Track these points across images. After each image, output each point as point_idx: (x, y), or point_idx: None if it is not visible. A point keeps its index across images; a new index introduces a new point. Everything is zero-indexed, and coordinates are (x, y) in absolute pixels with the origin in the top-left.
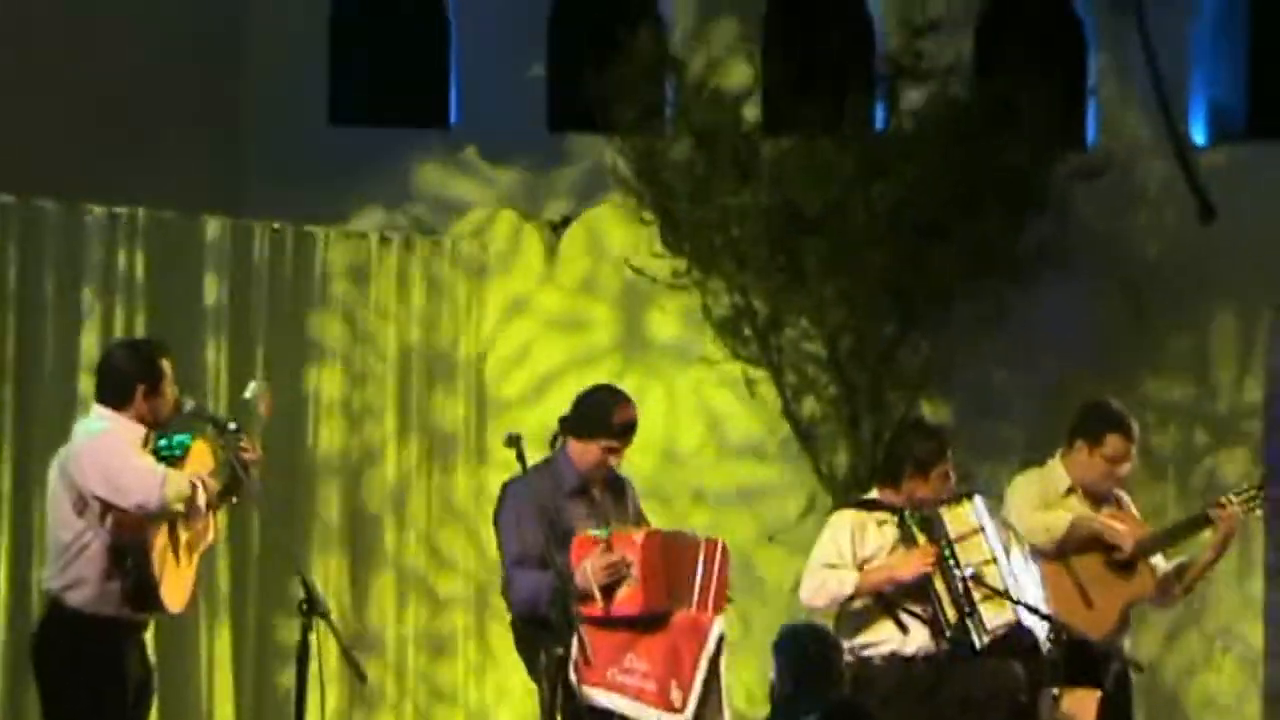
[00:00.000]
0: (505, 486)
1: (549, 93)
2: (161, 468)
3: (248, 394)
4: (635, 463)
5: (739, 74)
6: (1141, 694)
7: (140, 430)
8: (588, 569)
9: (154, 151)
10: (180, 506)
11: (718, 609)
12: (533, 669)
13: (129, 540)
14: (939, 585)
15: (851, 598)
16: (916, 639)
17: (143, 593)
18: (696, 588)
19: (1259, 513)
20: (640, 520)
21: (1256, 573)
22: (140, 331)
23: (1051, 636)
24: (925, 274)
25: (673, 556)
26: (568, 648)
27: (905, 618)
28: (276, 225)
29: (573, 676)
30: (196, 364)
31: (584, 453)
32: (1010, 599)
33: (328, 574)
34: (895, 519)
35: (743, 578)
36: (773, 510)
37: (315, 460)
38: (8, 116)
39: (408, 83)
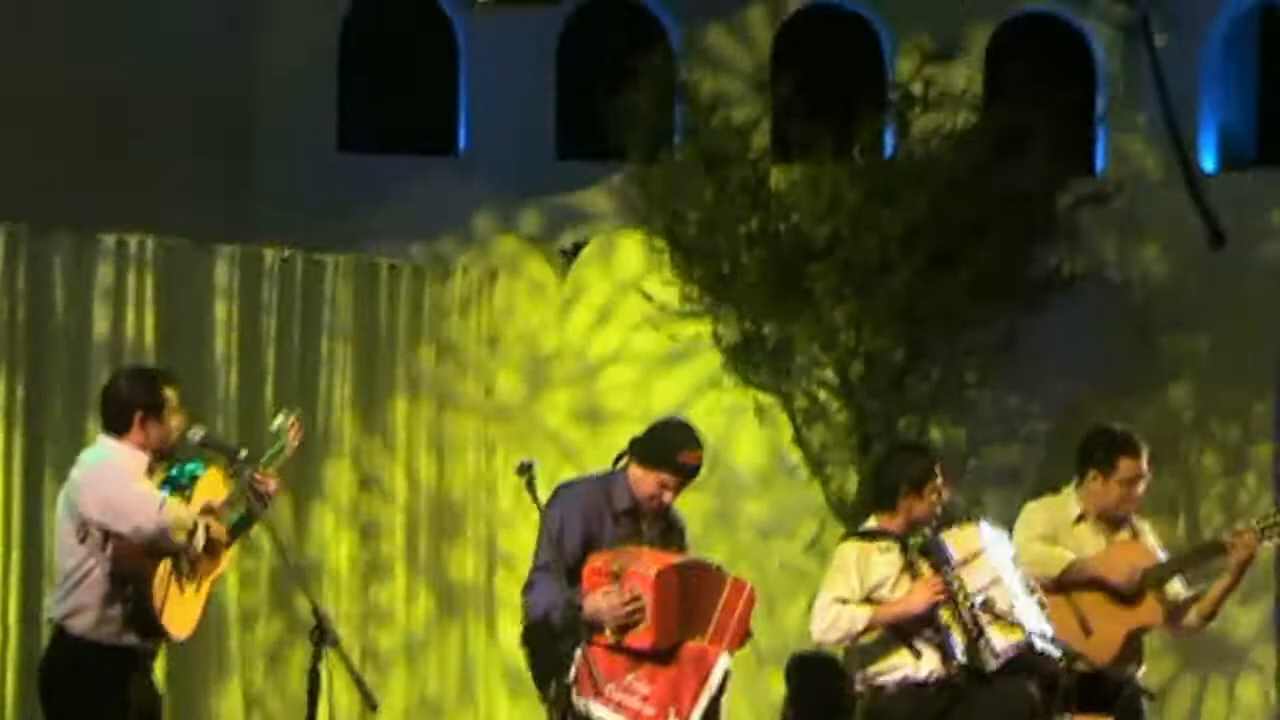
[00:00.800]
0: (558, 488)
1: (558, 120)
2: (161, 494)
3: (275, 425)
4: None
5: (748, 102)
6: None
7: (143, 458)
8: (600, 607)
9: (164, 180)
10: (181, 536)
11: (732, 647)
12: (536, 677)
13: (129, 568)
14: (945, 611)
15: (864, 632)
16: (929, 663)
17: (143, 620)
18: (714, 622)
19: (1275, 540)
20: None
21: (1265, 596)
22: (151, 359)
23: (1065, 662)
24: (935, 300)
25: (689, 589)
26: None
27: (917, 643)
28: (286, 253)
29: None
30: (207, 391)
31: (642, 479)
32: (1018, 622)
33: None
34: (898, 545)
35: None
36: (782, 537)
37: (324, 485)
38: (18, 146)
39: (417, 110)
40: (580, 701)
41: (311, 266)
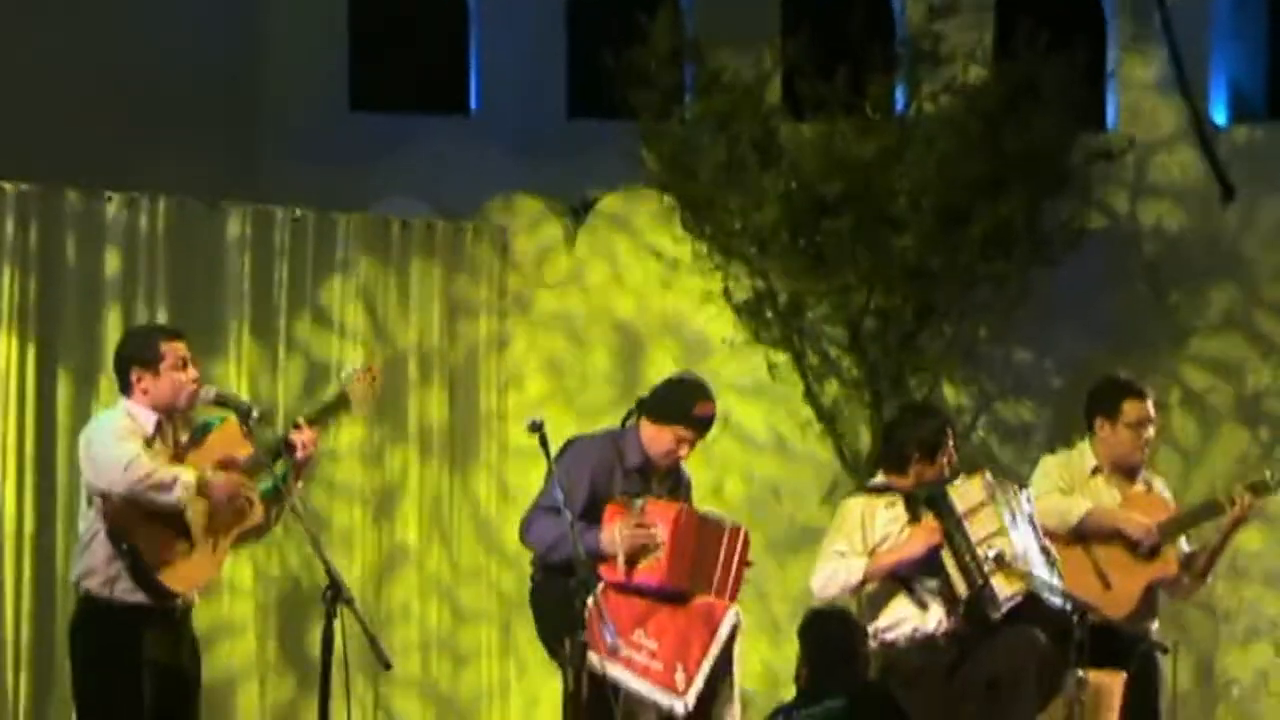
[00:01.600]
0: (570, 441)
1: (568, 78)
2: (130, 453)
3: (343, 375)
4: None
5: (759, 59)
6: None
7: (149, 417)
8: (616, 533)
9: (175, 138)
10: (157, 493)
11: (733, 597)
12: (541, 627)
13: (120, 526)
14: (949, 561)
15: (862, 583)
16: (936, 614)
17: (140, 578)
18: (717, 574)
19: None
20: None
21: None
22: (162, 319)
23: (1077, 615)
24: (946, 256)
25: (702, 539)
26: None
27: (921, 595)
28: (298, 211)
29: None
30: (219, 351)
31: (656, 437)
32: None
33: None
34: (903, 500)
35: (766, 562)
36: (795, 493)
37: (337, 449)
38: (28, 104)
39: (428, 69)
40: (594, 660)
41: (323, 225)
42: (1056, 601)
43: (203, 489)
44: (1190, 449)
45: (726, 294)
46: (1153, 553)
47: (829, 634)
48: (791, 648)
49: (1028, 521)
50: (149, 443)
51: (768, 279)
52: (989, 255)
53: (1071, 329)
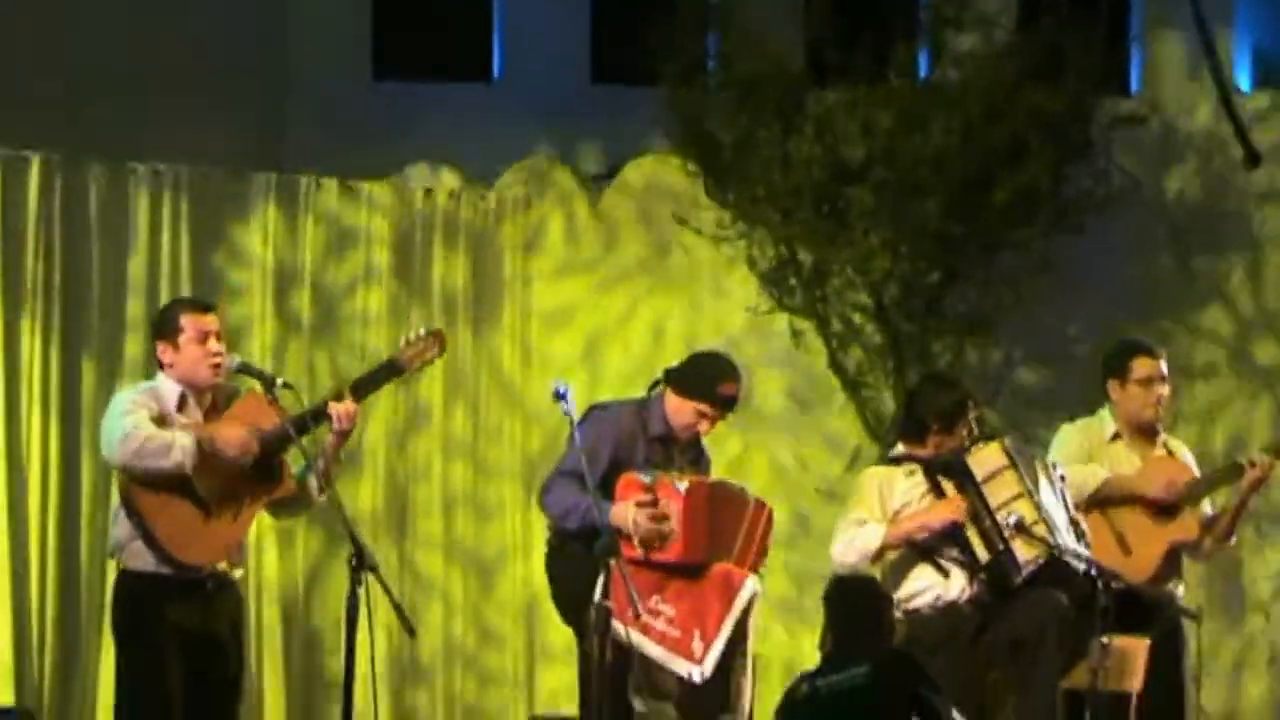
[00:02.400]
0: (593, 406)
1: (592, 46)
2: (126, 427)
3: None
4: None
5: (783, 25)
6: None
7: (175, 389)
8: (629, 516)
9: (199, 108)
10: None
11: (754, 569)
12: (557, 592)
13: (129, 498)
14: (970, 528)
15: (882, 550)
16: (959, 581)
17: (156, 547)
18: (738, 544)
19: None
20: None
21: None
22: (185, 288)
23: (1101, 581)
24: (970, 222)
25: (717, 508)
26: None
27: (942, 562)
28: (321, 180)
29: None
30: (243, 319)
31: (679, 409)
32: (1054, 546)
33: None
34: (923, 468)
35: (791, 529)
36: (820, 460)
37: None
38: (53, 74)
39: (451, 37)
40: (616, 626)
41: (346, 194)
42: (1079, 565)
43: (207, 450)
44: (1214, 415)
45: (750, 261)
46: (1172, 513)
47: (853, 601)
48: (814, 616)
49: (1056, 493)
50: (164, 419)
51: (791, 246)
52: (1012, 221)
53: (1095, 295)
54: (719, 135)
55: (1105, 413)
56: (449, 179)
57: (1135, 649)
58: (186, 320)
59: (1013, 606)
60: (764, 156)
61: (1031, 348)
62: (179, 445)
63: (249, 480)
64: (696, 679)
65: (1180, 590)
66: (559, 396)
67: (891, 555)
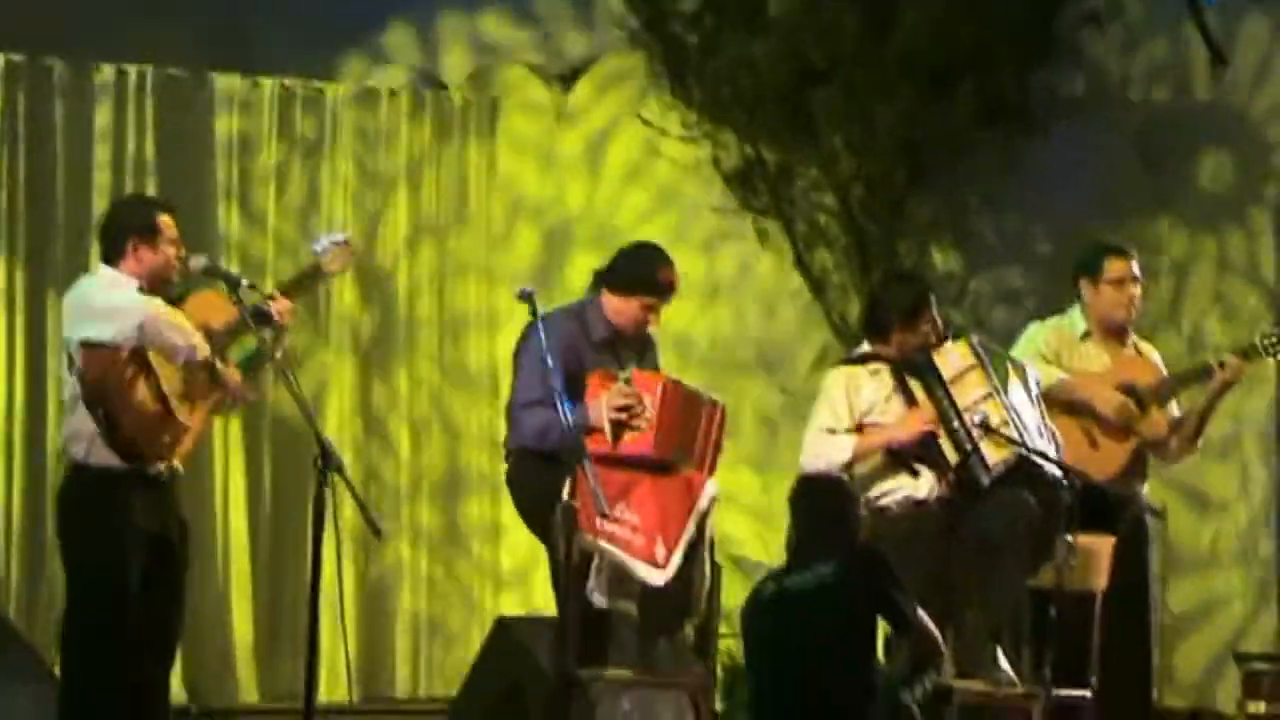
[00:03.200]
0: (529, 325)
1: None
2: (141, 299)
3: (318, 247)
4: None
5: None
6: (1159, 538)
7: (133, 284)
8: (603, 403)
9: (162, 8)
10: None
11: (711, 470)
12: (526, 505)
13: (98, 389)
14: (939, 432)
15: (851, 461)
16: (928, 481)
17: (116, 440)
18: (698, 446)
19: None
20: None
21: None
22: (151, 190)
23: (1066, 481)
24: (935, 124)
25: (687, 410)
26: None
27: (914, 463)
28: (286, 81)
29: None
30: (208, 223)
31: (622, 308)
32: (1020, 444)
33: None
34: (889, 367)
35: (758, 430)
36: (786, 361)
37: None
38: None
39: None
40: (581, 536)
41: (310, 95)
42: (1049, 466)
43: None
44: (1181, 316)
45: (715, 162)
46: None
47: (819, 501)
48: (781, 516)
49: (1026, 392)
50: None
51: (756, 147)
52: (978, 122)
53: (1061, 196)
54: (684, 36)
55: (1076, 312)
56: (412, 80)
57: (1100, 547)
58: (163, 220)
59: (981, 507)
60: (729, 57)
61: (997, 248)
62: (194, 333)
63: (202, 378)
64: (659, 583)
65: (1145, 489)
66: (524, 297)
67: (860, 466)
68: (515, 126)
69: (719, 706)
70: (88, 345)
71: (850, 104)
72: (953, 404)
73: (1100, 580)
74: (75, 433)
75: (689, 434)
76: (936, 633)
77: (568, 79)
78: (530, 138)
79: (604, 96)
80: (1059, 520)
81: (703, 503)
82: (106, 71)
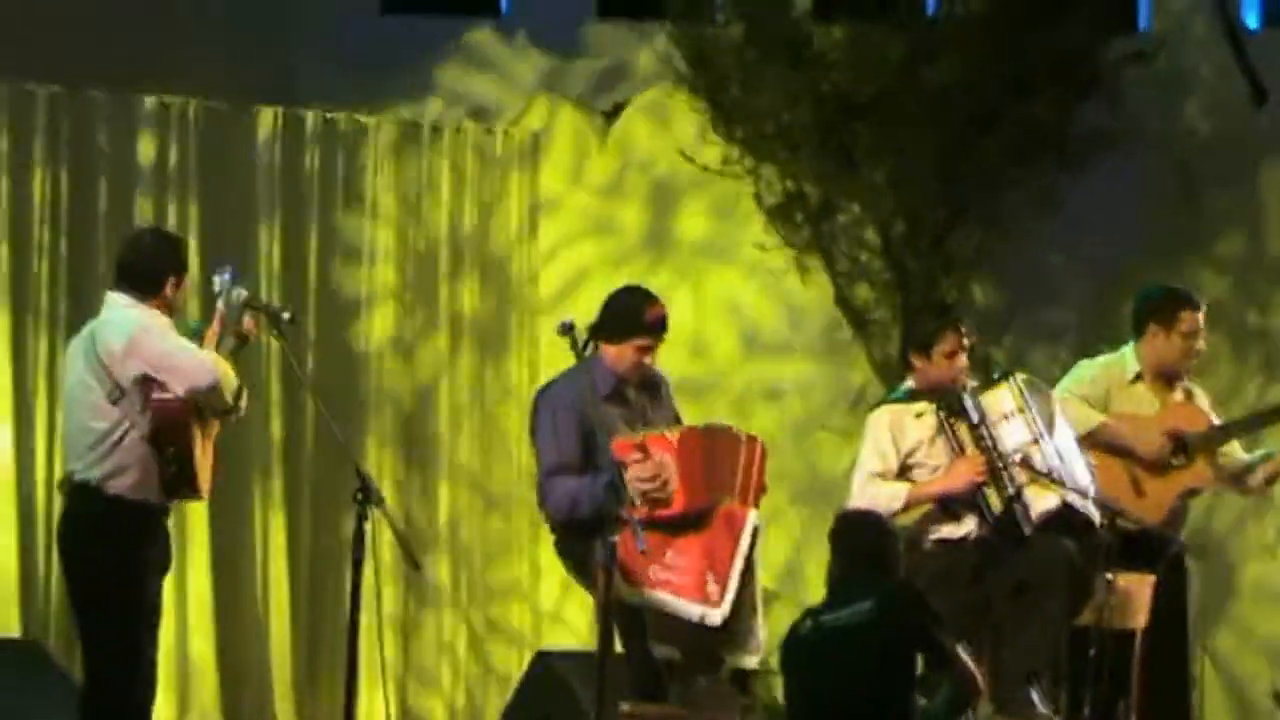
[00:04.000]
0: (539, 395)
1: None
2: (203, 355)
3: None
4: (672, 357)
5: None
6: (1198, 578)
7: (166, 320)
8: (629, 476)
9: (205, 41)
10: (229, 396)
11: (755, 503)
12: (578, 570)
13: (170, 427)
14: (986, 483)
15: (901, 511)
16: (967, 525)
17: (183, 479)
18: (738, 482)
19: None
20: (676, 418)
21: None
22: (193, 221)
23: (1105, 521)
24: (977, 159)
25: (711, 451)
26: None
27: (957, 508)
28: (328, 115)
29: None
30: (249, 253)
31: (619, 356)
32: (1059, 483)
33: (381, 461)
34: (933, 409)
35: (797, 465)
36: (825, 398)
37: (368, 348)
38: (57, 6)
39: None
40: (625, 590)
41: (354, 128)
42: (1092, 511)
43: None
44: (1221, 354)
45: (757, 198)
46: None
47: (859, 537)
48: (818, 551)
49: (1061, 423)
50: None
51: (798, 182)
52: (1019, 158)
53: (1102, 232)
54: (726, 71)
55: (1129, 352)
56: (455, 114)
57: (1140, 586)
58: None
59: (1021, 554)
60: (771, 92)
61: (1038, 285)
62: (243, 389)
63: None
64: (718, 621)
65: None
66: (564, 330)
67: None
68: (558, 161)
69: None
70: (153, 385)
71: (892, 139)
72: (997, 449)
73: (1140, 619)
74: (121, 467)
75: (721, 474)
76: (976, 671)
77: (611, 114)
78: (573, 172)
79: (647, 131)
80: (1098, 561)
81: (746, 536)
82: (150, 104)
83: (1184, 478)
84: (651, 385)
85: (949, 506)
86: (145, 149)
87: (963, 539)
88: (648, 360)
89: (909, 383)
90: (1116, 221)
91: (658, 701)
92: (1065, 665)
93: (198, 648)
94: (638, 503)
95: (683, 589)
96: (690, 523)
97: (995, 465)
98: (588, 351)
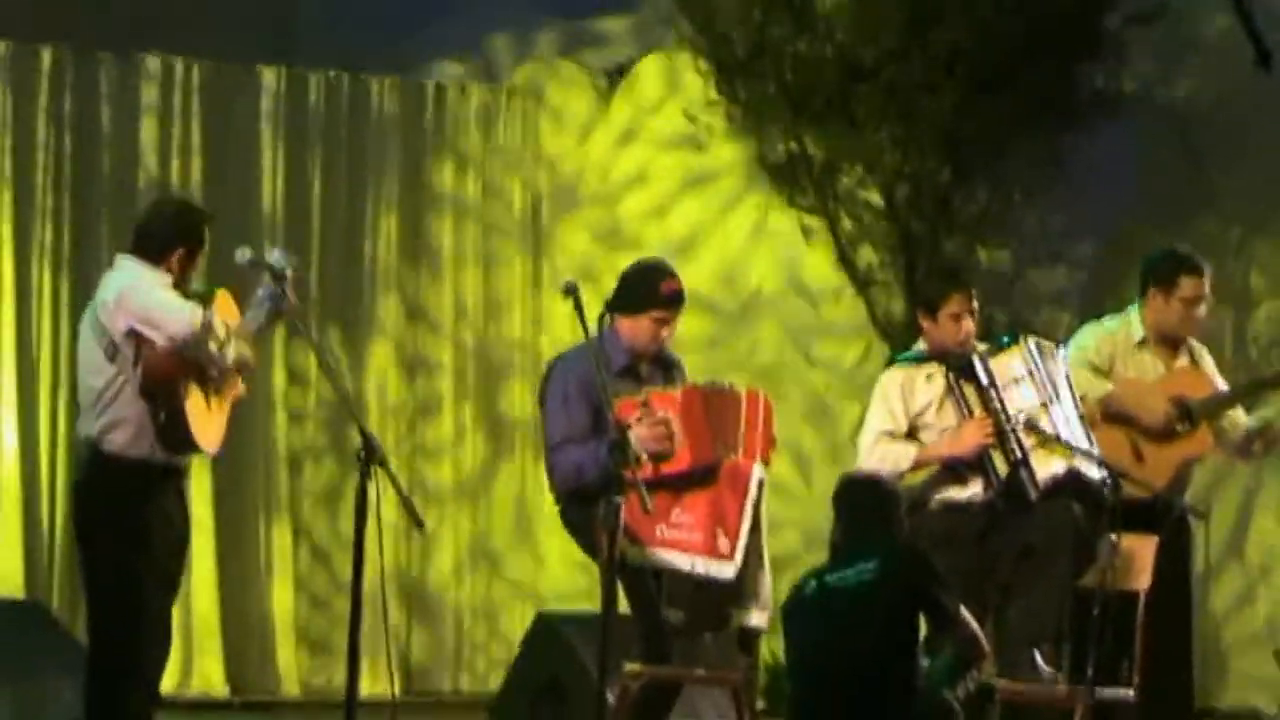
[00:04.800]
0: (551, 365)
1: None
2: (188, 304)
3: (273, 258)
4: (689, 319)
5: None
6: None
7: (168, 279)
8: (634, 438)
9: (208, 4)
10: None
11: (765, 459)
12: (583, 536)
13: (159, 381)
14: (994, 447)
15: (909, 471)
16: (973, 488)
17: (175, 432)
18: (741, 438)
19: None
20: None
21: None
22: (196, 182)
23: (1110, 482)
24: (981, 121)
25: (714, 407)
26: (624, 495)
27: (963, 471)
28: (332, 74)
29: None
30: (253, 214)
31: (635, 328)
32: (1066, 445)
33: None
34: (942, 370)
35: (803, 427)
36: (829, 358)
37: (372, 316)
38: None
39: None
40: (632, 551)
41: (356, 88)
42: (1094, 473)
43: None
44: (1225, 317)
45: (761, 159)
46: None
47: (862, 498)
48: (825, 511)
49: (1066, 386)
50: None
51: (802, 143)
52: (1023, 120)
53: (1106, 195)
54: (730, 32)
55: (1134, 315)
56: (458, 74)
57: (1143, 547)
58: (206, 234)
59: (1026, 518)
60: (775, 53)
61: (1041, 247)
62: (232, 340)
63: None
64: (731, 575)
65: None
66: (568, 291)
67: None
68: (561, 123)
69: (760, 704)
70: (142, 339)
71: (896, 100)
72: (1005, 413)
73: (1143, 580)
74: (115, 422)
75: (725, 429)
76: (980, 632)
77: (614, 75)
78: (576, 133)
79: (651, 92)
80: (1102, 522)
81: (753, 488)
82: (153, 64)
83: (1187, 445)
84: (665, 366)
85: (955, 469)
86: (148, 108)
87: (967, 501)
88: (665, 334)
89: (921, 344)
90: (1120, 184)
91: (664, 663)
92: (1069, 627)
93: (201, 609)
94: (644, 458)
95: (692, 545)
96: (696, 480)
97: (1003, 429)
98: (605, 323)
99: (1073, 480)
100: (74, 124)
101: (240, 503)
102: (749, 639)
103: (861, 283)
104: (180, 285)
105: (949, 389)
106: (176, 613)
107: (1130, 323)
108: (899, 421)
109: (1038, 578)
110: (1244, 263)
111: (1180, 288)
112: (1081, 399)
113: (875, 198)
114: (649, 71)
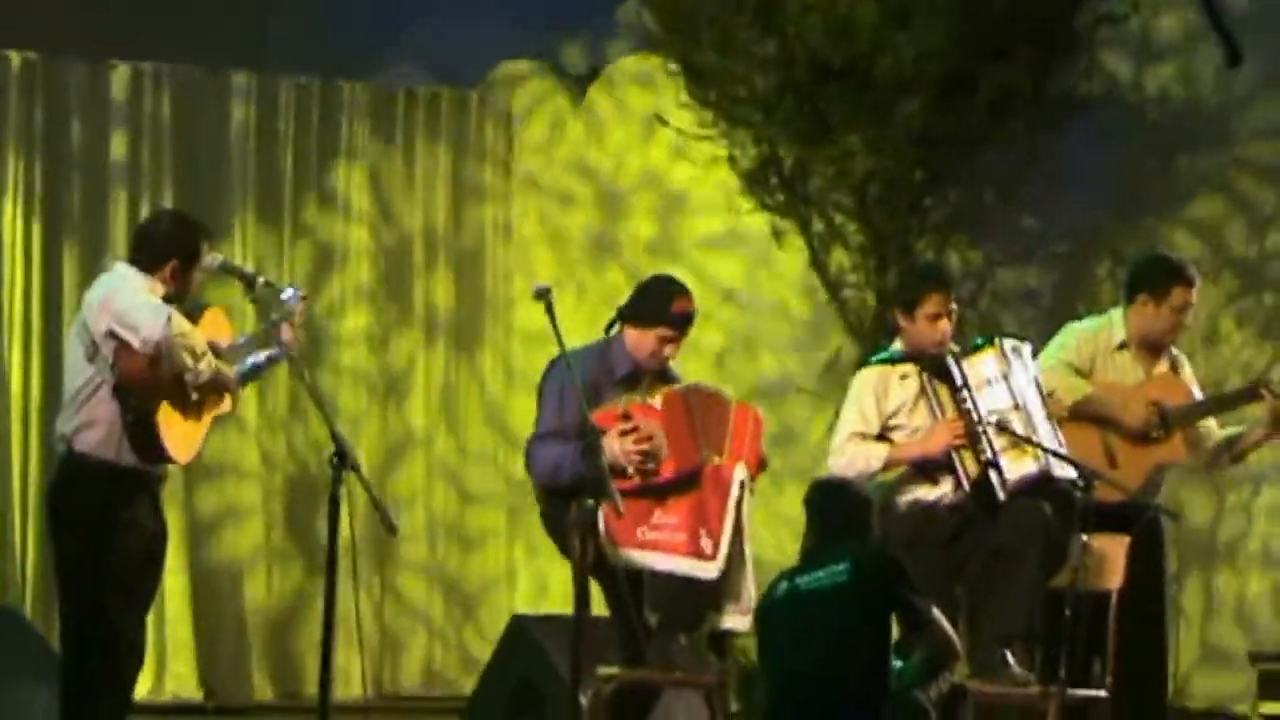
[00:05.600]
0: (554, 360)
1: None
2: (167, 309)
3: (284, 296)
4: None
5: None
6: (1174, 539)
7: (160, 289)
8: (615, 450)
9: (179, 8)
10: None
11: (751, 471)
12: (559, 536)
13: (134, 385)
14: (964, 448)
15: (880, 472)
16: (943, 488)
17: (142, 436)
18: (727, 444)
19: None
20: None
21: None
22: (167, 185)
23: (1082, 483)
24: (952, 122)
25: (697, 410)
26: (598, 500)
27: (934, 472)
28: (302, 79)
29: (604, 541)
30: (223, 220)
31: (639, 341)
32: (1038, 446)
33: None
34: (917, 371)
35: (771, 429)
36: (801, 362)
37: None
38: None
39: None
40: (611, 552)
41: (328, 93)
42: (1065, 473)
43: (216, 375)
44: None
45: (731, 161)
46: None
47: (833, 501)
48: (796, 515)
49: (1034, 386)
50: None
51: (773, 145)
52: (994, 120)
53: (1078, 194)
54: (700, 35)
55: (1115, 318)
56: (429, 78)
57: (1115, 548)
58: (204, 250)
59: (996, 518)
60: (745, 56)
61: (1013, 247)
62: (208, 356)
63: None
64: (714, 575)
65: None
66: (540, 295)
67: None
68: (532, 127)
69: (734, 706)
70: (120, 341)
71: (866, 102)
72: (977, 414)
73: (1115, 580)
74: (88, 422)
75: (710, 433)
76: (952, 633)
77: (585, 79)
78: (546, 138)
79: (620, 96)
80: (1073, 522)
81: (734, 488)
82: (123, 70)
83: (1160, 451)
84: (664, 382)
85: (925, 469)
86: (118, 117)
87: (936, 502)
88: (668, 352)
89: (898, 343)
90: (1092, 184)
91: (639, 666)
92: (1040, 627)
93: (174, 614)
94: (630, 471)
95: (675, 547)
96: (680, 484)
97: (974, 430)
98: (613, 330)
99: (1044, 481)
100: (44, 131)
101: (213, 505)
102: (722, 641)
103: (833, 286)
104: (177, 297)
105: (922, 389)
106: (149, 618)
107: (1113, 324)
108: (870, 422)
109: (1008, 578)
110: (1217, 262)
111: (1173, 297)
112: (1050, 395)
113: (846, 199)
114: (619, 75)
